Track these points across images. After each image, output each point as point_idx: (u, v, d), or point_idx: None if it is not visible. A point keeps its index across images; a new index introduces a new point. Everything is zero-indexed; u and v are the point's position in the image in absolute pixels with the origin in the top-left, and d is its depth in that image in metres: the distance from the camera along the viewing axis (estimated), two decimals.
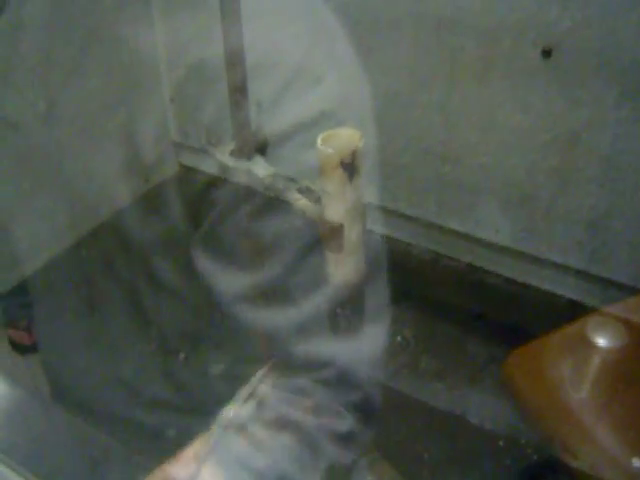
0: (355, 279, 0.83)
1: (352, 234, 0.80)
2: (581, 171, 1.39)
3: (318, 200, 0.83)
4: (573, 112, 1.34)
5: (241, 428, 0.80)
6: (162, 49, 1.78)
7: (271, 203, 1.05)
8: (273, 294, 1.12)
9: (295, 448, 0.79)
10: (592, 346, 1.22)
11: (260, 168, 0.89)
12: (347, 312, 0.84)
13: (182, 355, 1.56)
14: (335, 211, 0.79)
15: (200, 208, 1.65)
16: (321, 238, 0.82)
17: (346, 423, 0.87)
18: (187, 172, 1.95)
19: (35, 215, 1.62)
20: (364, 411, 0.97)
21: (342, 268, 0.83)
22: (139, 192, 1.82)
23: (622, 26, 1.23)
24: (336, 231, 0.79)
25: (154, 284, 1.56)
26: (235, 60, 0.86)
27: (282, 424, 0.80)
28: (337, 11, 1.21)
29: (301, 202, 0.84)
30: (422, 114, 1.53)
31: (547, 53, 1.32)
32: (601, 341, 1.22)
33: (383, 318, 0.96)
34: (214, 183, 1.83)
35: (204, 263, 1.26)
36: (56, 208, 1.68)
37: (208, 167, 1.90)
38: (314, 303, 0.89)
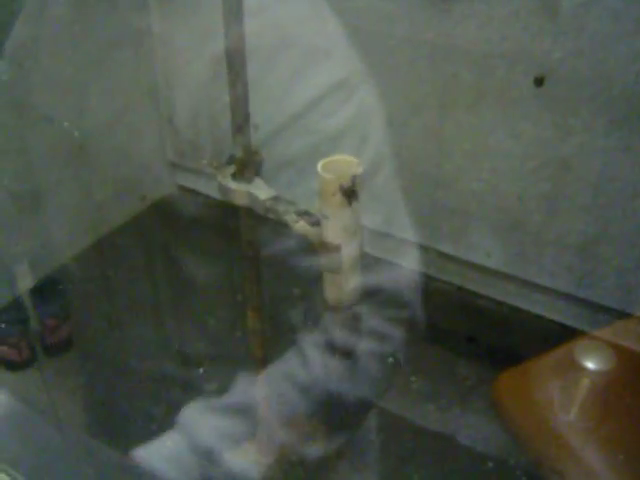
0: (352, 299, 0.86)
1: (350, 255, 0.83)
2: (571, 197, 1.42)
3: (316, 222, 0.86)
4: (564, 139, 1.38)
5: None
6: (161, 71, 1.81)
7: (265, 222, 1.08)
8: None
9: None
10: (580, 369, 1.24)
11: (261, 191, 0.91)
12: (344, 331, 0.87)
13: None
14: (334, 233, 0.81)
15: (193, 226, 1.68)
16: (319, 259, 0.84)
17: None
18: (182, 191, 1.97)
19: (32, 232, 1.64)
20: None
21: (339, 288, 0.85)
22: (136, 210, 1.85)
23: (611, 57, 1.26)
24: (334, 252, 0.82)
25: (152, 298, 1.58)
26: (239, 85, 0.89)
27: None
28: (334, 36, 1.24)
29: (300, 224, 0.87)
30: (416, 139, 1.56)
31: (539, 82, 1.35)
32: (589, 364, 1.24)
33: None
34: (207, 203, 1.87)
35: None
36: (53, 224, 1.70)
37: (203, 187, 1.93)
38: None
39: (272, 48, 1.32)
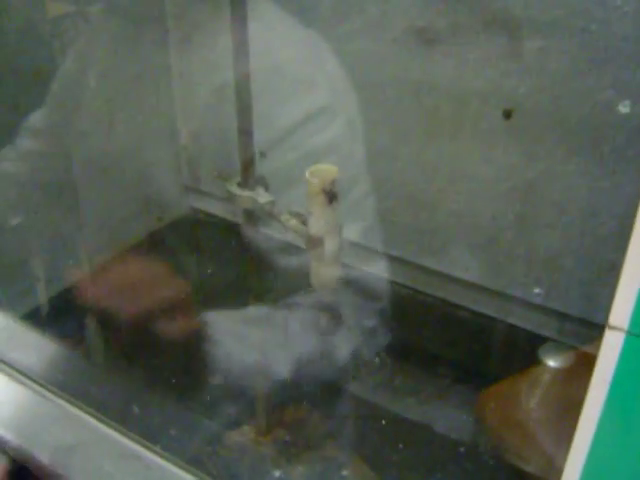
0: (333, 283, 1.05)
1: (331, 246, 1.02)
2: (537, 216, 1.59)
3: (304, 221, 1.05)
4: (529, 165, 1.55)
5: None
6: (178, 103, 2.02)
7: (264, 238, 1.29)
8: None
9: None
10: (542, 367, 1.42)
11: (261, 196, 1.11)
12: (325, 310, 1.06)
13: None
14: (318, 227, 1.00)
15: (204, 243, 1.87)
16: (306, 250, 1.04)
17: None
18: (195, 213, 2.17)
19: (52, 246, 1.83)
20: None
21: (323, 274, 1.04)
22: (153, 228, 2.04)
23: (567, 93, 1.45)
24: (318, 243, 1.01)
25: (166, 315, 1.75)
26: (245, 111, 1.09)
27: None
28: (331, 74, 1.44)
29: (291, 222, 1.06)
30: (403, 165, 1.75)
31: (507, 114, 1.54)
32: (550, 362, 1.41)
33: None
34: (218, 223, 2.07)
35: None
36: (74, 241, 1.89)
37: (214, 209, 2.13)
38: None
39: (276, 86, 1.50)
